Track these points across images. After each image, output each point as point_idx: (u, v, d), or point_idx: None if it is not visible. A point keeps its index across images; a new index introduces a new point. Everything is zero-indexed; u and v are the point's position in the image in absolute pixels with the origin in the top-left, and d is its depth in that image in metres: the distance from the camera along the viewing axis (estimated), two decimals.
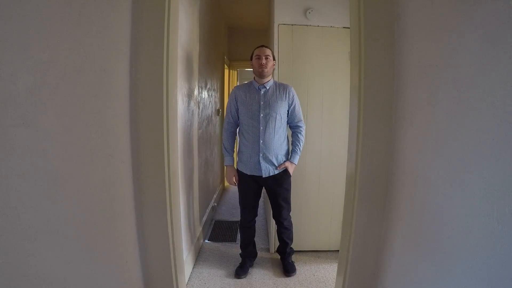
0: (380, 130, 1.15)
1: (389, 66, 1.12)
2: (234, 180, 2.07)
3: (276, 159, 1.97)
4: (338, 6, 2.33)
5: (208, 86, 2.97)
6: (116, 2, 0.99)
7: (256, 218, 3.49)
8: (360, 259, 1.24)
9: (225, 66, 4.40)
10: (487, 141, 0.67)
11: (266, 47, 1.98)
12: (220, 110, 3.99)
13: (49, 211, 0.68)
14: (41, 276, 0.66)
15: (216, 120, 3.69)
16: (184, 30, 1.92)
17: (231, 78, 5.07)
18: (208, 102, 3.03)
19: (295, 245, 2.31)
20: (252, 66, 2.01)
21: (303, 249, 2.47)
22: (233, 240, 2.73)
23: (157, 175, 1.18)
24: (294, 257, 2.31)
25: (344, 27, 2.33)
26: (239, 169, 2.05)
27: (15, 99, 0.59)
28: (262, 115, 1.94)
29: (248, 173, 2.00)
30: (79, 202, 0.80)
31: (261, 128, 1.94)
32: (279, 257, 2.30)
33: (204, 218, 2.79)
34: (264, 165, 1.96)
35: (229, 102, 2.08)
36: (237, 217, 3.28)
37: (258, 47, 2.00)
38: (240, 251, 2.25)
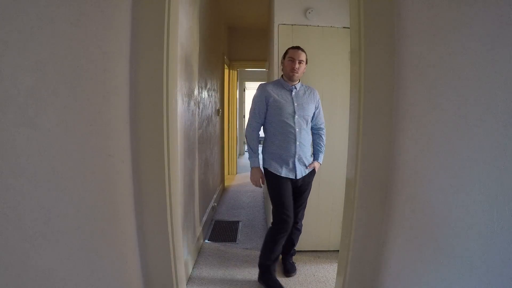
0: (380, 130, 1.15)
1: (389, 66, 1.12)
2: (261, 182, 1.98)
3: (307, 160, 1.97)
4: (338, 6, 2.33)
5: (208, 86, 2.97)
6: (116, 2, 0.99)
7: (256, 218, 3.49)
8: (360, 259, 1.24)
9: (225, 66, 4.40)
10: (487, 141, 0.67)
11: (302, 50, 1.90)
12: (220, 110, 3.99)
13: (49, 211, 0.68)
14: (41, 276, 0.66)
15: (216, 120, 3.69)
16: (184, 30, 1.92)
17: (231, 78, 5.07)
18: (208, 102, 3.03)
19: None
20: (282, 65, 1.96)
21: (303, 249, 2.46)
22: (233, 240, 2.73)
23: (157, 175, 1.18)
24: (294, 257, 2.31)
25: (344, 27, 2.33)
26: (272, 171, 1.92)
27: (15, 99, 0.59)
28: (297, 116, 1.90)
29: (283, 175, 1.92)
30: (79, 202, 0.80)
31: (297, 130, 1.89)
32: (279, 257, 2.30)
33: (204, 218, 2.79)
34: (298, 167, 1.93)
35: (257, 101, 1.94)
36: (237, 217, 3.29)
37: (293, 48, 1.92)
38: (262, 261, 2.01)
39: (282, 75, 1.99)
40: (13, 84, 0.58)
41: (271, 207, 2.15)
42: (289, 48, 1.94)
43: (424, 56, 0.92)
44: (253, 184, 1.99)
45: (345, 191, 1.35)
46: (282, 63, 1.97)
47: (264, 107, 1.92)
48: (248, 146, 1.98)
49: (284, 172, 1.91)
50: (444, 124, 0.82)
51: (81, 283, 0.81)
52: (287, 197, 1.93)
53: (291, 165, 1.91)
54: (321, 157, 2.04)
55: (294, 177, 1.93)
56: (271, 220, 2.02)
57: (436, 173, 0.85)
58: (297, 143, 1.90)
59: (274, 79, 2.09)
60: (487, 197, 0.66)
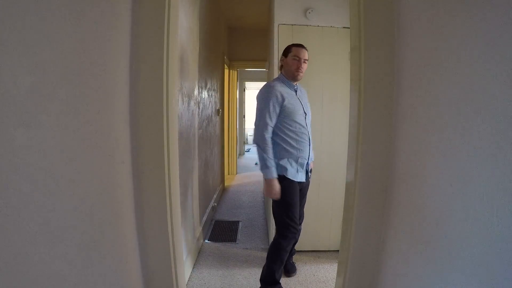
0: (380, 130, 1.15)
1: (389, 66, 1.12)
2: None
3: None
4: (338, 6, 2.34)
5: (208, 86, 2.97)
6: (116, 2, 0.99)
7: (256, 218, 3.49)
8: (360, 259, 1.24)
9: (225, 66, 4.40)
10: (486, 141, 0.67)
11: (306, 49, 1.81)
12: (220, 110, 3.99)
13: (49, 211, 0.68)
14: (41, 276, 0.66)
15: (216, 120, 3.69)
16: (184, 30, 1.92)
17: (231, 78, 5.08)
18: (208, 102, 3.03)
19: (295, 245, 2.31)
20: (282, 62, 1.84)
21: (303, 249, 2.47)
22: (233, 240, 2.73)
23: (157, 175, 1.18)
24: (294, 257, 2.31)
25: (344, 27, 2.33)
26: (290, 177, 1.77)
27: (15, 99, 0.59)
28: (307, 117, 1.84)
29: (299, 179, 1.82)
30: (79, 202, 0.80)
31: (308, 131, 1.84)
32: None
33: (204, 218, 2.79)
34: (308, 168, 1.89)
35: (271, 102, 1.73)
36: (237, 217, 3.29)
37: (297, 46, 1.80)
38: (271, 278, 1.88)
39: (281, 73, 1.87)
40: (13, 84, 0.58)
41: (271, 205, 2.09)
42: (292, 46, 1.82)
43: (424, 55, 0.92)
44: (272, 197, 1.77)
45: (345, 191, 1.35)
46: (283, 60, 1.85)
47: (278, 109, 1.75)
48: (264, 153, 1.73)
49: (299, 176, 1.81)
50: (443, 124, 0.82)
51: (81, 283, 0.81)
52: (298, 205, 1.83)
53: (304, 168, 1.85)
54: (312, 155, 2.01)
55: (305, 180, 1.86)
56: (270, 219, 1.92)
57: (436, 173, 0.85)
58: (310, 145, 1.85)
59: (274, 79, 1.99)
60: (487, 197, 0.66)
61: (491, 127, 0.66)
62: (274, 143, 1.80)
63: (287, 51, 1.83)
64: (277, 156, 1.79)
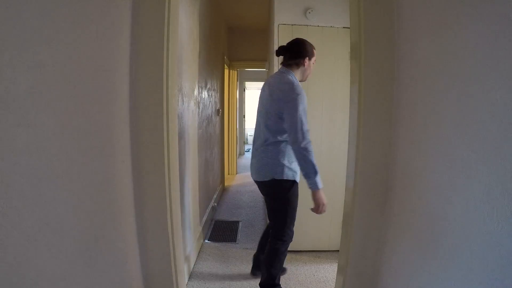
0: (380, 131, 1.15)
1: (389, 67, 1.12)
2: None
3: None
4: (338, 6, 2.34)
5: (208, 86, 2.97)
6: (116, 2, 0.99)
7: (256, 218, 3.50)
8: (360, 259, 1.24)
9: (225, 66, 4.40)
10: (487, 141, 0.67)
11: None
12: (220, 110, 3.99)
13: (49, 211, 0.68)
14: (41, 276, 0.66)
15: (216, 120, 3.69)
16: (184, 30, 1.92)
17: (231, 78, 5.08)
18: (208, 102, 3.03)
19: (295, 245, 2.30)
20: (306, 65, 1.73)
21: (303, 249, 2.47)
22: (233, 240, 2.73)
23: (157, 175, 1.18)
24: (294, 258, 2.33)
25: (344, 27, 2.34)
26: (297, 180, 1.73)
27: (15, 99, 0.59)
28: None
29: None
30: (79, 202, 0.80)
31: None
32: None
33: (204, 218, 2.79)
34: None
35: (304, 103, 1.62)
36: (237, 217, 3.29)
37: (314, 49, 1.77)
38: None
39: (291, 72, 1.73)
40: (13, 84, 0.58)
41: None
42: (314, 49, 1.76)
43: (424, 55, 0.92)
44: (324, 210, 1.63)
45: (345, 191, 1.35)
46: (306, 62, 1.72)
47: None
48: (312, 158, 1.57)
49: (298, 178, 1.77)
50: (444, 124, 0.82)
51: (81, 283, 0.81)
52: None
53: None
54: None
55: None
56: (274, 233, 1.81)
57: (436, 173, 0.85)
58: None
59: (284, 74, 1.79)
60: (487, 197, 0.66)
61: (491, 127, 0.66)
62: (287, 145, 1.70)
63: (311, 54, 1.74)
64: (289, 159, 1.69)
